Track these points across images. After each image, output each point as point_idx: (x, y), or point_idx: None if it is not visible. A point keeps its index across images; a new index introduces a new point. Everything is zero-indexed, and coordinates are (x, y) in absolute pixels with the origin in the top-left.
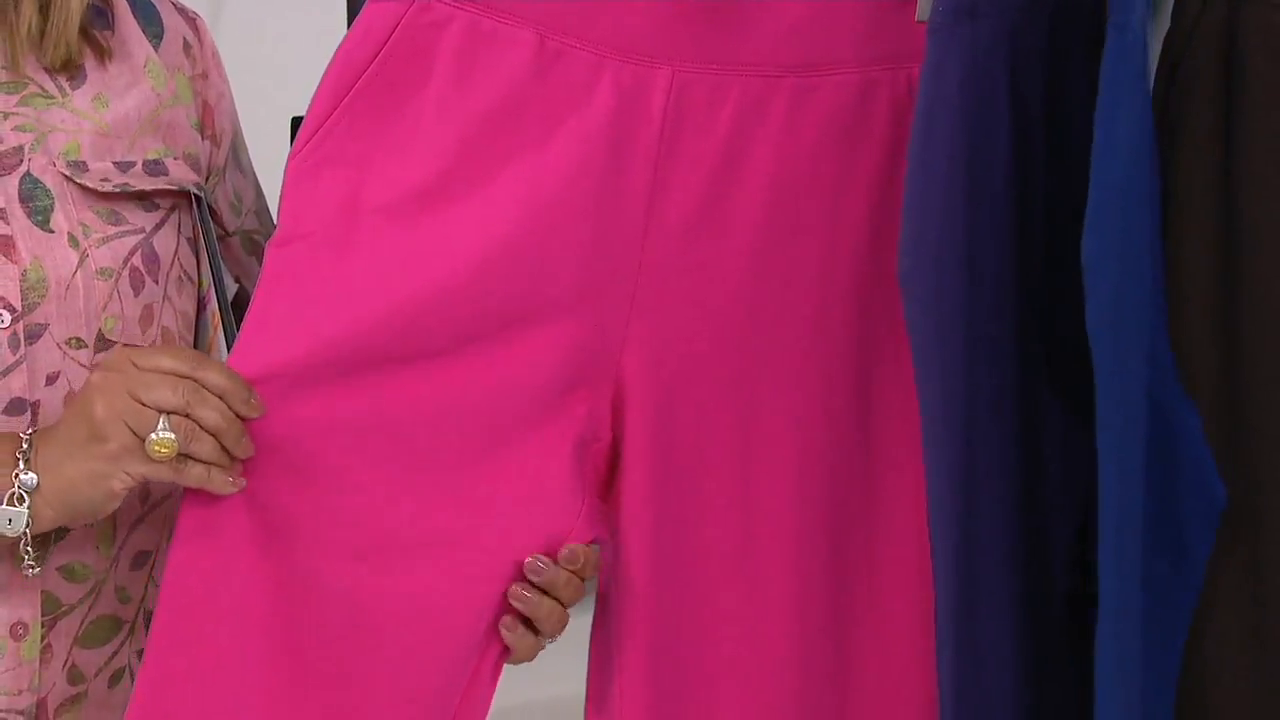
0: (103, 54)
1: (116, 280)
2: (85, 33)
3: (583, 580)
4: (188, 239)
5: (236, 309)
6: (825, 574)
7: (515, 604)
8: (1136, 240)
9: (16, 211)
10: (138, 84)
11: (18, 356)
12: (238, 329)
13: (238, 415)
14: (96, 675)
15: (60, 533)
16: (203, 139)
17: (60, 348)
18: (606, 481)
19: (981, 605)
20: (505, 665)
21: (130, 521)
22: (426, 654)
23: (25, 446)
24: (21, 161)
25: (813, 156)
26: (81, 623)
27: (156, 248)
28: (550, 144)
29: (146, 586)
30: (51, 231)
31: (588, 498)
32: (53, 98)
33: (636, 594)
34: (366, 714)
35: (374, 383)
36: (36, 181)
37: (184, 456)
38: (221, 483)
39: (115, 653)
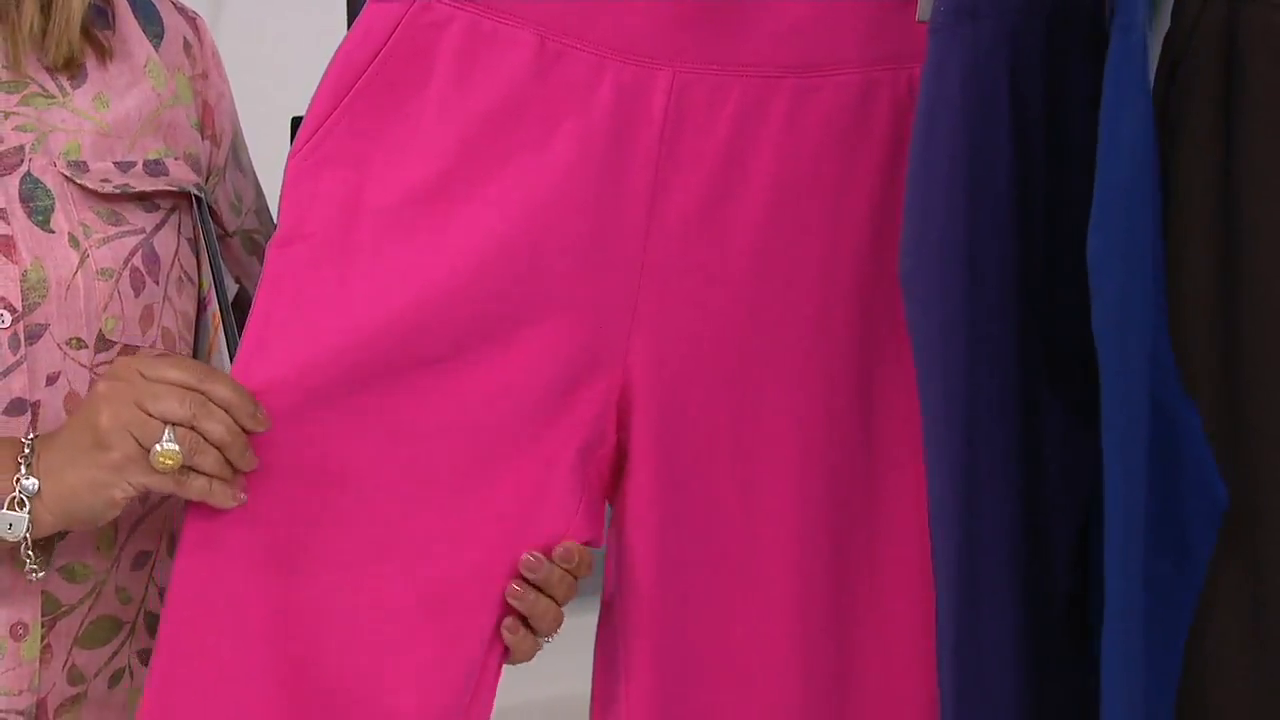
0: (103, 54)
1: (117, 281)
2: (86, 32)
3: (576, 579)
4: (188, 239)
5: (237, 309)
6: (827, 574)
7: (512, 602)
8: (1140, 240)
9: (17, 212)
10: (138, 84)
11: (18, 357)
12: (238, 330)
13: (243, 429)
14: (96, 675)
15: (61, 533)
16: (203, 139)
17: (61, 348)
18: (610, 485)
19: (983, 605)
20: (505, 666)
21: (131, 523)
22: (433, 659)
23: (27, 451)
24: (22, 161)
25: (814, 157)
26: (82, 623)
27: (157, 248)
28: (551, 145)
29: (147, 587)
30: (52, 232)
31: (586, 498)
32: (53, 97)
33: (643, 595)
34: None
35: (377, 387)
36: (37, 182)
37: (187, 469)
38: (223, 496)
39: (115, 653)
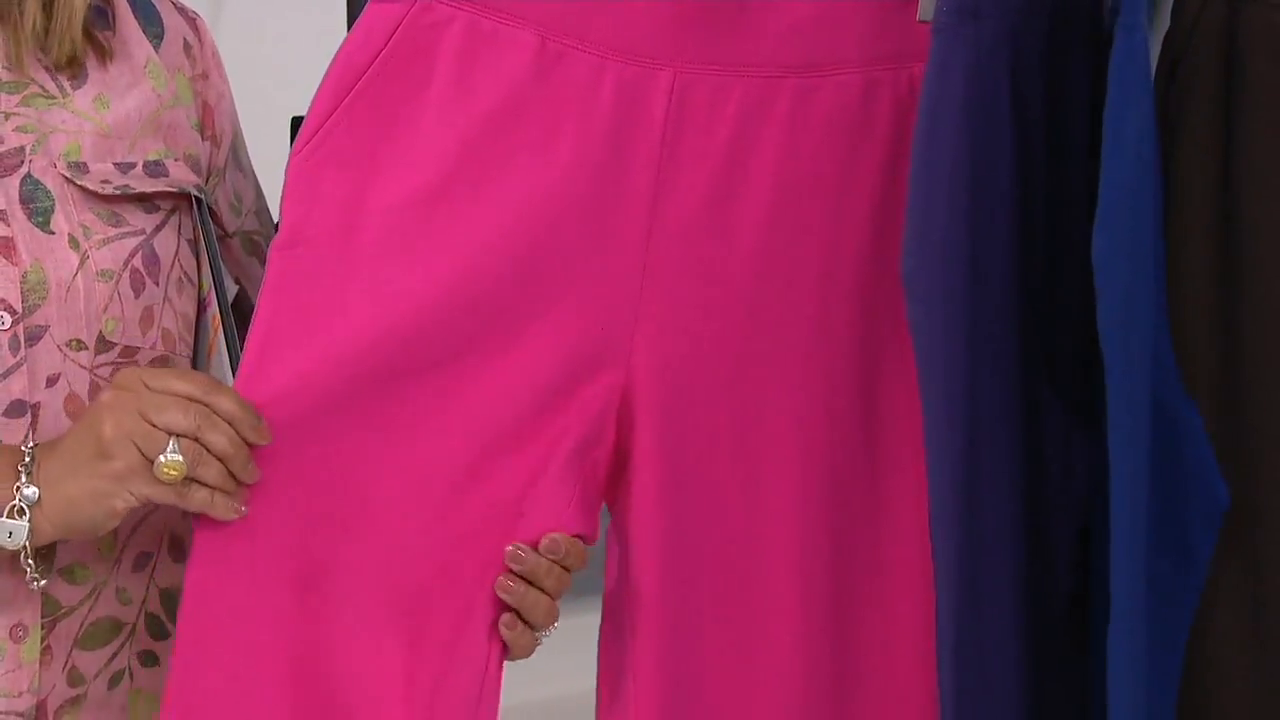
0: (103, 54)
1: (117, 282)
2: (86, 33)
3: (568, 571)
4: (188, 240)
5: (236, 311)
6: (828, 573)
7: (502, 595)
8: (1143, 240)
9: (17, 213)
10: (138, 85)
11: (18, 358)
12: (238, 331)
13: (246, 441)
14: (96, 677)
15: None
16: (203, 140)
17: (61, 350)
18: (606, 485)
19: (983, 605)
20: (510, 666)
21: (132, 525)
22: (440, 659)
23: (27, 460)
24: (22, 163)
25: (815, 157)
26: (81, 625)
27: (157, 249)
28: (552, 146)
29: (148, 588)
30: (52, 233)
31: (579, 493)
32: (54, 98)
33: (648, 595)
34: None
35: (381, 392)
36: (37, 183)
37: (189, 480)
38: (225, 508)
39: (115, 654)
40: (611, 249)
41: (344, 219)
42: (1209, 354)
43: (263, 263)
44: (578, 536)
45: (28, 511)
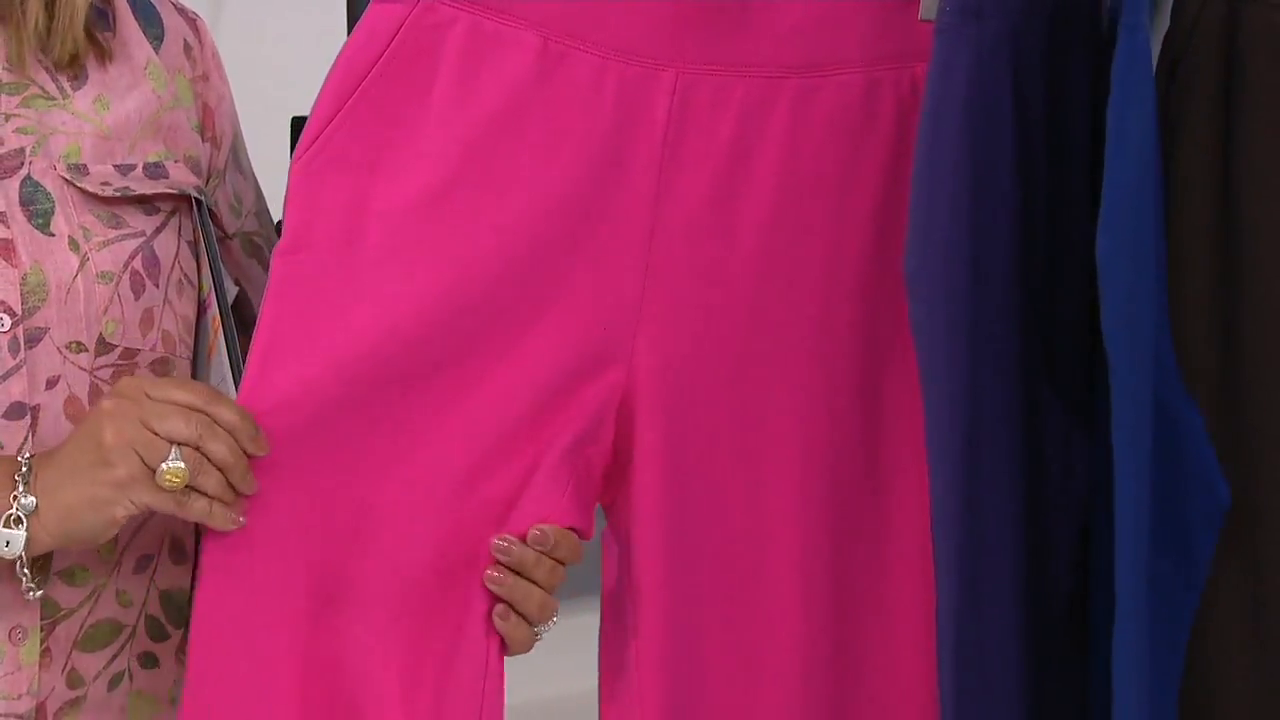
0: (103, 55)
1: (117, 284)
2: (87, 33)
3: (561, 564)
4: (188, 242)
5: (237, 313)
6: (830, 573)
7: (491, 587)
8: (1146, 240)
9: (17, 215)
10: (138, 86)
11: (18, 360)
12: (238, 333)
13: (245, 452)
14: (96, 678)
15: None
16: (203, 141)
17: (60, 352)
18: (602, 484)
19: (984, 605)
20: (510, 666)
21: (133, 528)
22: (442, 658)
23: (24, 469)
24: (22, 164)
25: (817, 157)
26: (81, 627)
27: (157, 251)
28: (554, 147)
29: (148, 590)
30: (52, 235)
31: (572, 487)
32: (54, 99)
33: (650, 595)
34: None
35: (385, 397)
36: (37, 185)
37: (189, 489)
38: (223, 519)
39: (115, 656)
40: (614, 249)
41: (347, 223)
42: (1209, 354)
43: (263, 264)
44: (571, 530)
45: (25, 520)
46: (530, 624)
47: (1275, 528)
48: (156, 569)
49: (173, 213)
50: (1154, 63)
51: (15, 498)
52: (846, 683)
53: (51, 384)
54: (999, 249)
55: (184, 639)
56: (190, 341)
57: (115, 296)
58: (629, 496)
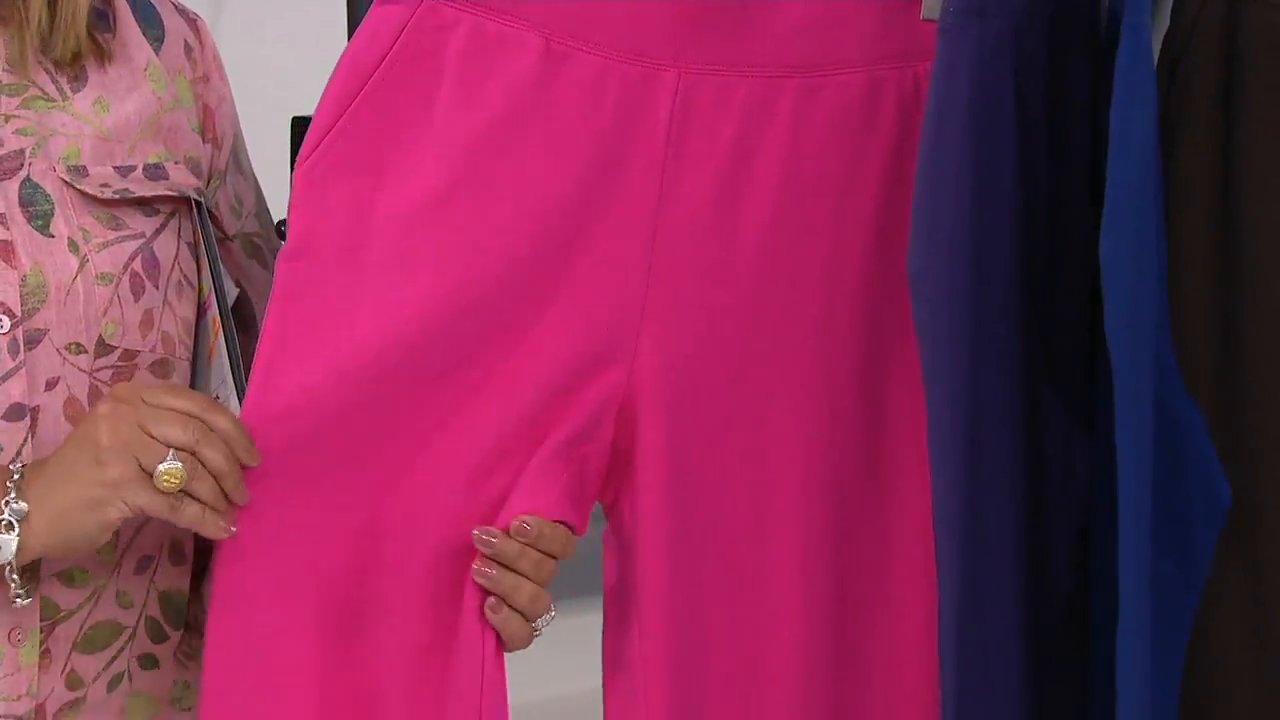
0: (103, 56)
1: (116, 285)
2: (88, 34)
3: (551, 557)
4: (188, 244)
5: (237, 314)
6: (833, 573)
7: (478, 580)
8: (1148, 240)
9: (17, 216)
10: (138, 87)
11: (17, 362)
12: (238, 334)
13: (242, 461)
14: (95, 680)
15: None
16: (204, 142)
17: (60, 353)
18: (600, 483)
19: (986, 605)
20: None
21: (133, 528)
22: (443, 653)
23: (17, 477)
24: (22, 166)
25: (820, 157)
26: (80, 628)
27: (157, 253)
28: (557, 147)
29: (148, 592)
30: (52, 236)
31: (564, 481)
32: (54, 101)
33: (654, 595)
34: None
35: (392, 401)
36: (36, 186)
37: (182, 494)
38: (215, 526)
39: (114, 657)
40: (617, 250)
41: (351, 227)
42: (1209, 354)
43: (263, 265)
44: (561, 524)
45: (16, 526)
46: (524, 618)
47: (1275, 528)
48: (156, 570)
49: (172, 214)
50: (1154, 63)
51: (7, 503)
52: (848, 682)
53: (51, 385)
54: (1001, 248)
55: (183, 640)
56: (190, 343)
57: (115, 298)
58: (631, 496)
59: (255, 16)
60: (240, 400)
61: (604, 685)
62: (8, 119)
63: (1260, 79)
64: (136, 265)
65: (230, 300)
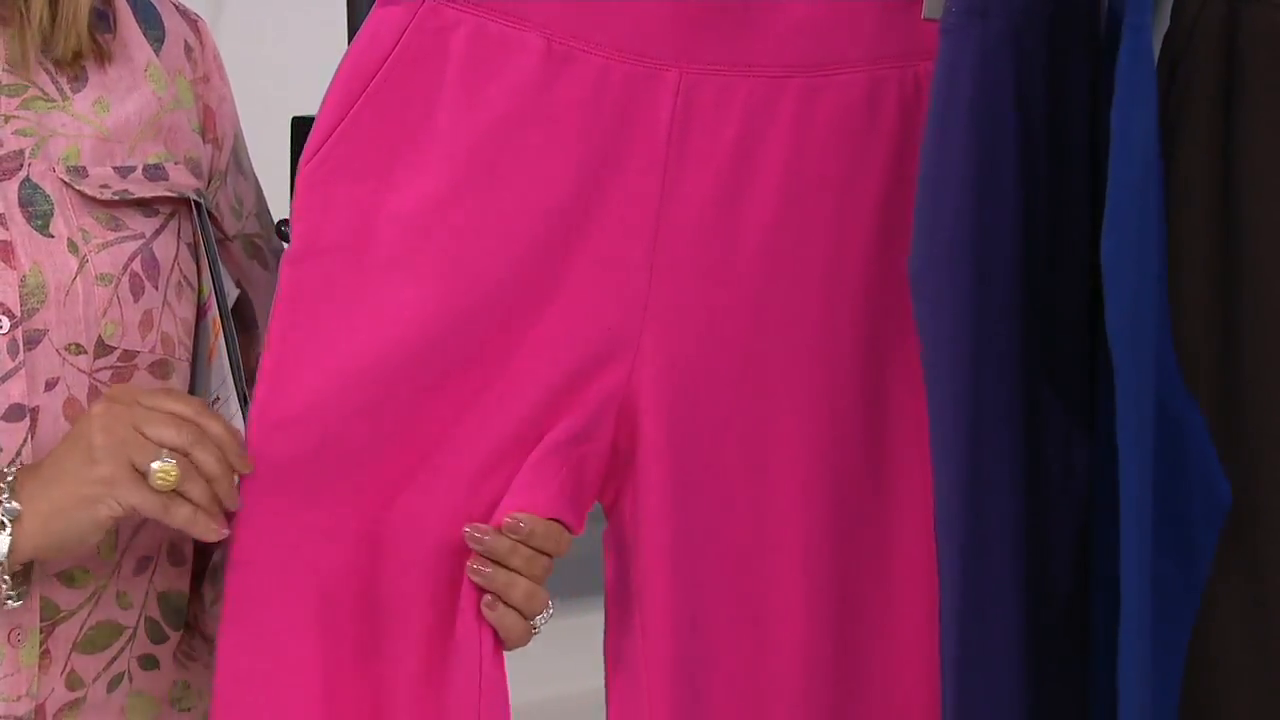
0: (103, 57)
1: (116, 286)
2: (89, 33)
3: (544, 554)
4: (188, 244)
5: (237, 315)
6: (834, 573)
7: (472, 577)
8: (1150, 240)
9: (16, 217)
10: (138, 88)
11: (17, 362)
12: (239, 334)
13: (234, 467)
14: (95, 680)
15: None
16: (204, 143)
17: (60, 354)
18: (599, 483)
19: (987, 605)
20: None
21: (132, 528)
22: (441, 652)
23: (10, 479)
24: (21, 166)
25: (821, 156)
26: (81, 628)
27: (156, 253)
28: (559, 148)
29: (147, 592)
30: (51, 237)
31: (559, 479)
32: (54, 101)
33: (658, 595)
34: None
35: (398, 404)
36: (36, 187)
37: (175, 494)
38: (206, 528)
39: (115, 658)
40: (619, 249)
41: (355, 230)
42: (1209, 354)
43: (264, 265)
44: (554, 521)
45: (8, 526)
46: (521, 615)
47: (1275, 528)
48: (155, 571)
49: (172, 215)
50: (1155, 63)
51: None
52: (849, 681)
53: (51, 386)
54: (1002, 248)
55: (183, 640)
56: (190, 344)
57: (114, 298)
58: (634, 496)
59: (255, 16)
60: (241, 402)
61: (606, 686)
62: (7, 119)
63: (1260, 79)
64: (136, 266)
65: (230, 301)
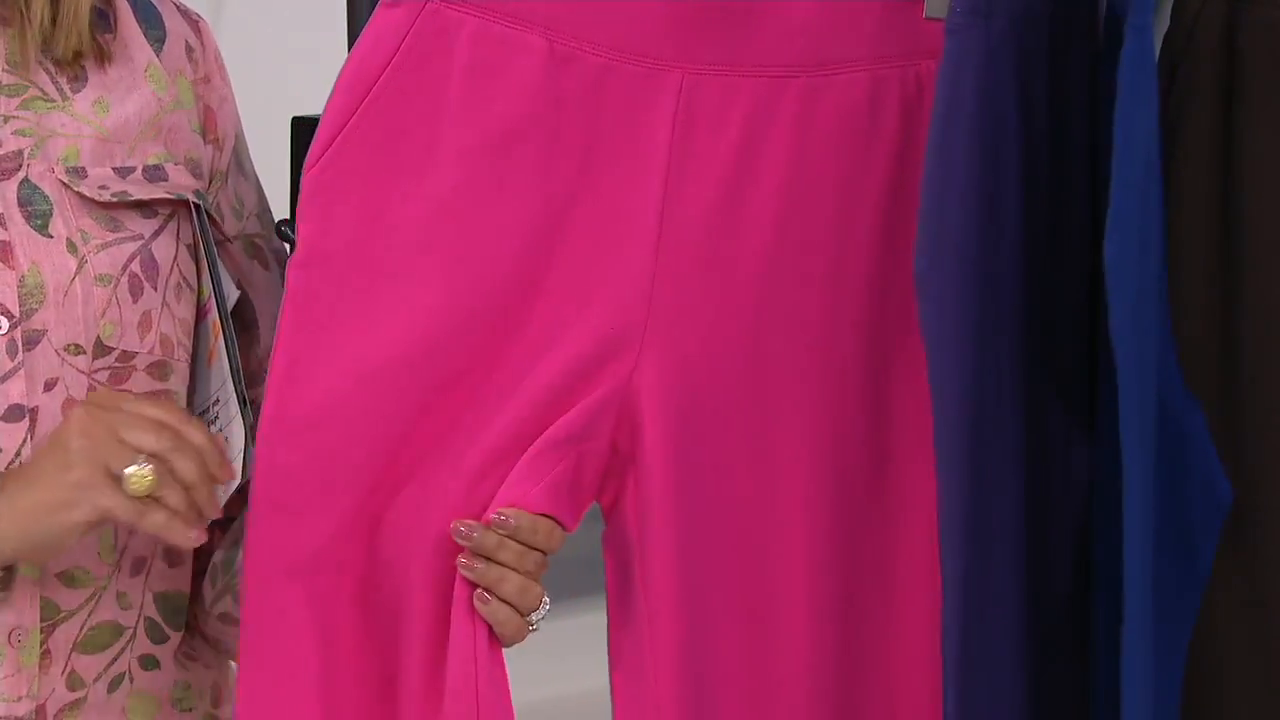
0: (103, 57)
1: (115, 287)
2: (90, 33)
3: (535, 550)
4: (187, 246)
5: (238, 317)
6: (839, 573)
7: (463, 572)
8: (1152, 241)
9: (15, 217)
10: (139, 88)
11: (16, 362)
12: (239, 334)
13: (211, 477)
14: (96, 680)
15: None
16: (205, 143)
17: (59, 354)
18: (597, 483)
19: (989, 605)
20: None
21: (127, 528)
22: (439, 646)
23: None
24: (20, 167)
25: (824, 156)
26: (81, 628)
27: (155, 254)
28: (562, 149)
29: (144, 593)
30: (50, 237)
31: (553, 477)
32: (54, 101)
33: (665, 595)
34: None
35: (406, 407)
36: (35, 187)
37: (150, 500)
38: (181, 535)
39: (115, 658)
40: (623, 250)
41: (360, 234)
42: (1209, 354)
43: (264, 265)
44: (548, 517)
45: None
46: (515, 610)
47: (1275, 527)
48: (150, 571)
49: (171, 216)
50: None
51: None
52: (853, 681)
53: (50, 386)
54: (1007, 249)
55: (184, 641)
56: (189, 345)
57: (113, 299)
58: (636, 497)
59: (255, 16)
60: (240, 404)
61: (612, 687)
62: (6, 119)
63: (1260, 79)
64: (135, 267)
65: (231, 303)
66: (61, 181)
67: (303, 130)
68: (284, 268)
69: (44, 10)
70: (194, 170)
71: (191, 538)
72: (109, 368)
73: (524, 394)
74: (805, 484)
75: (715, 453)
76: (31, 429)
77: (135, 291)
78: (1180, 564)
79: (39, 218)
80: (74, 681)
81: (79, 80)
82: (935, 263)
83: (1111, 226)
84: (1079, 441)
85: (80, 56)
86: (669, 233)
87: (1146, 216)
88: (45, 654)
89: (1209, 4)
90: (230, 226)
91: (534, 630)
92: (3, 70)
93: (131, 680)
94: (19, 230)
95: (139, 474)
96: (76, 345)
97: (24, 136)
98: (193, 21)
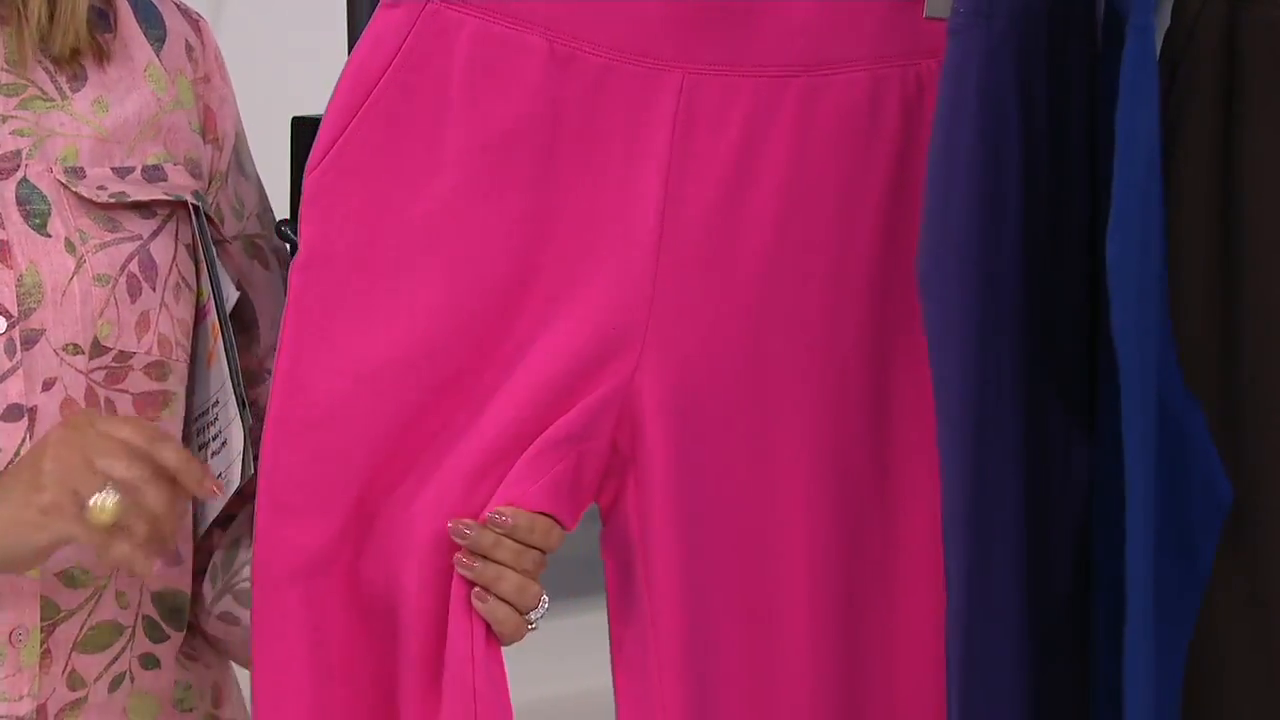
0: (103, 56)
1: (113, 287)
2: (89, 33)
3: (533, 549)
4: (186, 246)
5: (237, 314)
6: (841, 573)
7: (460, 570)
8: (1153, 241)
9: (13, 216)
10: (138, 88)
11: (14, 362)
12: (239, 335)
13: (192, 494)
14: (97, 680)
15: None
16: (205, 143)
17: (57, 354)
18: (597, 483)
19: (992, 604)
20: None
21: None
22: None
23: None
24: (19, 167)
25: (825, 156)
26: (81, 628)
27: (154, 255)
28: (563, 149)
29: (141, 592)
30: (48, 237)
31: (552, 476)
32: (53, 101)
33: (667, 595)
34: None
35: (411, 407)
36: (33, 187)
37: (114, 530)
38: (143, 567)
39: (116, 658)
40: (623, 250)
41: (362, 235)
42: (1209, 354)
43: (264, 265)
44: (545, 516)
45: None
46: (514, 609)
47: (1275, 527)
48: None
49: (170, 217)
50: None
51: None
52: (856, 680)
53: (48, 385)
54: (1008, 249)
55: (184, 641)
56: (188, 345)
57: (111, 299)
58: (637, 496)
59: (255, 16)
60: (239, 406)
61: (615, 687)
62: (5, 119)
63: (1260, 79)
64: (133, 267)
65: (230, 304)
66: (60, 181)
67: (303, 130)
68: (285, 267)
69: (41, 8)
70: (193, 170)
71: (150, 570)
72: (106, 367)
73: (524, 393)
74: (806, 483)
75: (716, 452)
76: (30, 428)
77: (133, 292)
78: (1181, 564)
79: (37, 217)
80: (75, 681)
81: (78, 80)
82: (939, 263)
83: (1113, 226)
84: (1079, 441)
85: (78, 55)
86: (670, 232)
87: (1147, 216)
88: (46, 654)
89: (1209, 4)
90: (230, 227)
91: (533, 629)
92: (1, 69)
93: (132, 680)
94: (17, 230)
95: (101, 505)
96: (75, 345)
97: (22, 136)
98: (193, 21)
